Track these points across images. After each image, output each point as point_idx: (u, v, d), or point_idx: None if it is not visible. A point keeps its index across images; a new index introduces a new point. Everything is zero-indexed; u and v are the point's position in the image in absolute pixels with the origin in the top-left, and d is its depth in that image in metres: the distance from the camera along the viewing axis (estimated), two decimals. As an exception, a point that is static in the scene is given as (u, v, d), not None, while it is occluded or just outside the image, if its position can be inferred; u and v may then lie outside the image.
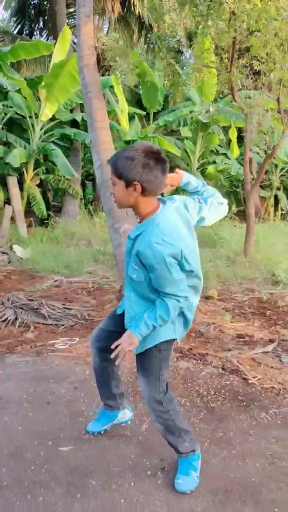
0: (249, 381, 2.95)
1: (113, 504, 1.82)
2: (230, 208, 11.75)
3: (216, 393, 2.77)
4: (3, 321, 4.98)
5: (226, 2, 6.01)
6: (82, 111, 11.60)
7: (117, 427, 2.36)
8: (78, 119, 10.86)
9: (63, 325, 4.92)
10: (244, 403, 2.67)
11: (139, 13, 14.26)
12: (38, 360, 3.23)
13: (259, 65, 6.55)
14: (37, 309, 5.40)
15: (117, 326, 2.06)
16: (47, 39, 16.39)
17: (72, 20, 16.04)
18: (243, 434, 2.34)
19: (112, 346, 1.84)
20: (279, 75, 6.52)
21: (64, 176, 10.52)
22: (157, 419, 1.97)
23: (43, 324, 4.98)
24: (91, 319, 5.07)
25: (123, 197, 1.80)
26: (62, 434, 2.29)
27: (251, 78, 7.16)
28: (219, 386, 2.87)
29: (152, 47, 15.34)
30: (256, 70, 6.81)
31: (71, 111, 11.35)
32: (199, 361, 3.26)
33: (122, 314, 2.02)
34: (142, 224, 1.82)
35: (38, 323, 4.99)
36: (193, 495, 1.88)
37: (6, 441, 2.22)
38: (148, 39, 15.82)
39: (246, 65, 6.92)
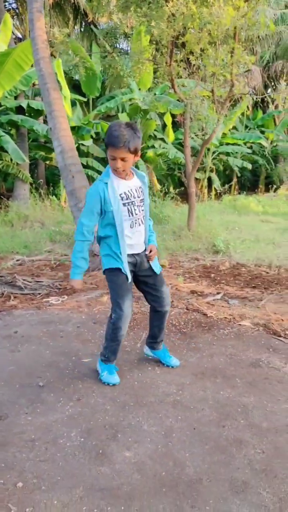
0: (208, 315, 3.92)
1: (130, 384, 2.70)
2: (168, 190, 12.77)
3: (185, 324, 3.72)
4: (-18, 294, 5.51)
5: (166, 6, 6.85)
6: (25, 98, 11.95)
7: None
8: (24, 105, 11.21)
9: (39, 293, 5.57)
10: (207, 328, 3.64)
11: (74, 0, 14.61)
12: (40, 312, 3.98)
13: (195, 59, 7.46)
14: (11, 282, 6.00)
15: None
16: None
17: (5, 3, 15.99)
18: (208, 344, 3.31)
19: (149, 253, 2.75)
20: (212, 70, 7.41)
21: (11, 160, 10.90)
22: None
23: (21, 294, 5.58)
24: (64, 288, 5.76)
25: (130, 165, 2.59)
26: (80, 353, 3.11)
27: (188, 71, 8.04)
28: (186, 319, 3.81)
29: (88, 33, 15.78)
30: (192, 64, 7.71)
31: (16, 97, 11.65)
32: (167, 305, 4.18)
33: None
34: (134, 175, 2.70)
35: (16, 293, 5.60)
36: (181, 374, 2.82)
37: (41, 359, 3.01)
38: (83, 25, 16.21)
39: (183, 59, 7.80)
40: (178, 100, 11.53)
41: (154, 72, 9.84)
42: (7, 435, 2.19)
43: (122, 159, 2.51)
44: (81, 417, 2.35)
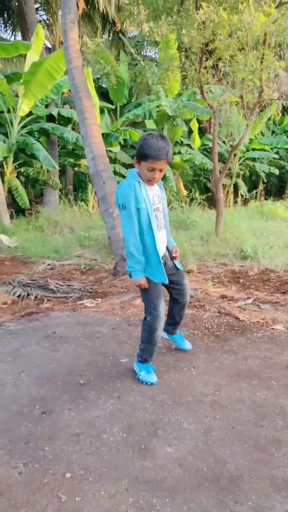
0: (240, 319, 3.96)
1: (168, 384, 2.77)
2: (195, 196, 12.81)
3: (218, 327, 3.77)
4: (18, 296, 5.69)
5: (197, 13, 6.94)
6: (56, 107, 12.24)
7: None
8: (54, 113, 11.49)
9: (71, 297, 5.69)
10: (240, 331, 3.68)
11: (103, 9, 14.90)
12: (76, 314, 4.10)
13: (224, 66, 7.51)
14: (44, 285, 6.15)
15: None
16: (12, 34, 16.76)
17: (37, 15, 16.45)
18: (242, 347, 3.35)
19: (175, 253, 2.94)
20: (241, 75, 7.43)
21: (41, 167, 11.19)
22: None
23: (53, 297, 5.72)
24: (95, 291, 5.87)
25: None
26: (117, 353, 3.21)
27: (217, 77, 8.08)
28: (219, 323, 3.86)
29: (116, 42, 16.06)
30: (221, 71, 7.76)
31: (46, 106, 11.95)
32: (199, 309, 4.24)
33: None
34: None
35: (49, 296, 5.74)
36: (216, 375, 2.88)
37: (80, 358, 3.12)
38: (111, 34, 16.51)
39: (212, 66, 7.86)
40: (205, 106, 11.61)
41: (182, 79, 9.96)
42: (53, 429, 2.30)
43: (160, 170, 2.62)
44: (122, 414, 2.43)
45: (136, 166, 2.67)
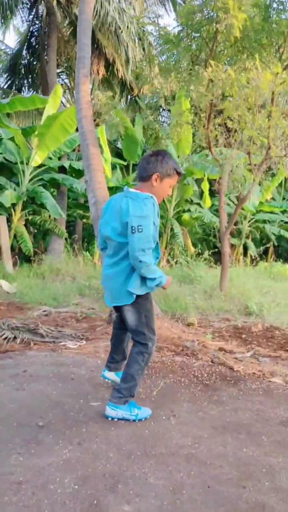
0: (235, 369, 3.57)
1: (140, 432, 2.37)
2: (203, 253, 12.67)
3: (209, 376, 3.38)
4: (4, 339, 5.38)
5: (206, 71, 7.14)
6: (69, 159, 12.55)
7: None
8: (66, 165, 11.73)
9: (60, 342, 5.36)
10: (232, 381, 3.29)
11: (121, 76, 15.72)
12: (55, 354, 3.77)
13: (232, 124, 7.59)
14: (34, 329, 5.85)
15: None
16: (35, 94, 17.67)
17: (59, 79, 17.47)
18: (233, 398, 2.95)
19: None
20: (249, 133, 7.50)
21: (49, 216, 11.24)
22: None
23: (41, 341, 5.39)
24: (86, 338, 5.54)
25: None
26: (89, 396, 2.83)
27: (225, 135, 8.18)
28: (210, 372, 3.47)
29: (133, 106, 16.81)
30: (229, 128, 7.86)
31: (59, 158, 12.25)
32: (191, 357, 3.87)
33: None
34: None
35: (37, 341, 5.41)
36: (198, 426, 2.48)
37: (46, 399, 2.75)
38: (128, 99, 17.33)
39: (221, 124, 7.99)
40: (214, 164, 11.76)
41: (193, 136, 10.15)
42: (-8, 475, 1.92)
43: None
44: (79, 463, 2.04)
45: (154, 184, 2.56)
